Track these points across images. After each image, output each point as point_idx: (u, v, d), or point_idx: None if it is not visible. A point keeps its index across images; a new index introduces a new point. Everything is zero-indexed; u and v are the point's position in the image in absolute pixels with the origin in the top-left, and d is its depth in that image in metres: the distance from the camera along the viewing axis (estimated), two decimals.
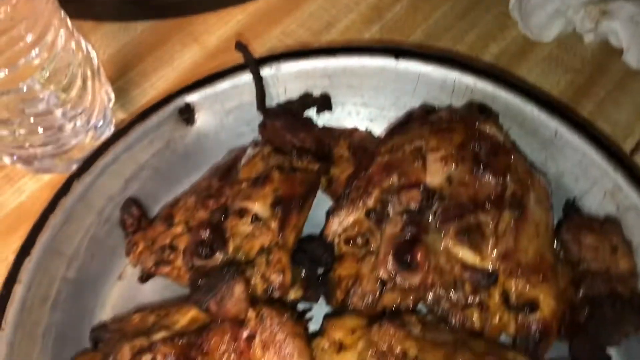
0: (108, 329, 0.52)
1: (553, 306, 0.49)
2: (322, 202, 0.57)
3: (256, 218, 0.50)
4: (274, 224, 0.49)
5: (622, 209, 0.53)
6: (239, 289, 0.46)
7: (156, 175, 0.59)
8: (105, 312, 0.56)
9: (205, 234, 0.49)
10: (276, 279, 0.47)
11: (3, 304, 0.50)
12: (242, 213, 0.50)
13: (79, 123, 0.60)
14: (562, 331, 0.50)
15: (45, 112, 0.56)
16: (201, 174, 0.60)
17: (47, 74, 0.54)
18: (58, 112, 0.57)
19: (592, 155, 0.54)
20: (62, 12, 0.55)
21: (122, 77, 0.68)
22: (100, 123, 0.62)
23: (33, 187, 0.64)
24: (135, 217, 0.56)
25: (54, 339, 0.52)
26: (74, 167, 0.60)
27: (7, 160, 0.61)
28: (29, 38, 0.50)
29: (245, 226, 0.50)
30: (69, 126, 0.59)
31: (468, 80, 0.58)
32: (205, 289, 0.46)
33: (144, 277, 0.54)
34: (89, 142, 0.62)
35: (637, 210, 0.51)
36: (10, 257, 0.57)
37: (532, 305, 0.49)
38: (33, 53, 0.51)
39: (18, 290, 0.50)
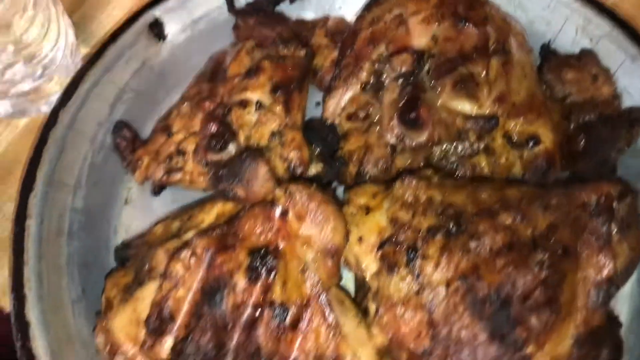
0: (132, 245, 0.51)
1: (552, 137, 0.52)
2: (310, 95, 0.57)
3: (260, 106, 0.50)
4: (278, 108, 0.50)
5: (595, 40, 0.56)
6: (262, 169, 0.46)
7: (139, 98, 0.58)
8: (120, 237, 0.55)
9: (214, 127, 0.48)
10: (295, 155, 0.48)
11: (20, 239, 0.48)
12: (244, 104, 0.50)
13: (46, 58, 0.58)
14: (563, 161, 0.53)
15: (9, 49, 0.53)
16: (182, 91, 0.59)
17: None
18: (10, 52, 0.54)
19: None
20: None
21: (75, 12, 0.65)
22: (67, 59, 0.60)
23: (9, 137, 0.61)
24: (129, 139, 0.55)
25: (78, 267, 0.51)
26: (45, 107, 0.58)
27: None
28: None
29: (250, 116, 0.50)
30: (22, 66, 0.57)
31: None
32: (228, 178, 0.47)
33: (156, 190, 0.53)
34: (56, 81, 0.60)
35: (610, 37, 0.55)
36: (7, 207, 0.55)
37: (535, 139, 0.52)
38: None
39: (31, 225, 0.49)
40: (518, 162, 0.53)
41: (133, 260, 0.50)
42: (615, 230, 0.45)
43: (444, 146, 0.52)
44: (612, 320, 0.47)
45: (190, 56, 0.60)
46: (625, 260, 0.46)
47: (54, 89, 0.60)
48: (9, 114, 0.60)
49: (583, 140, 0.53)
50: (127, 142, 0.55)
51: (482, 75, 0.52)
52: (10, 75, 0.56)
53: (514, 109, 0.52)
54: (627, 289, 0.52)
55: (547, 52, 0.58)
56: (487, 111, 0.52)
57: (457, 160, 0.53)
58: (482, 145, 0.52)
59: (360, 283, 0.50)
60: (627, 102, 0.54)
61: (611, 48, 0.55)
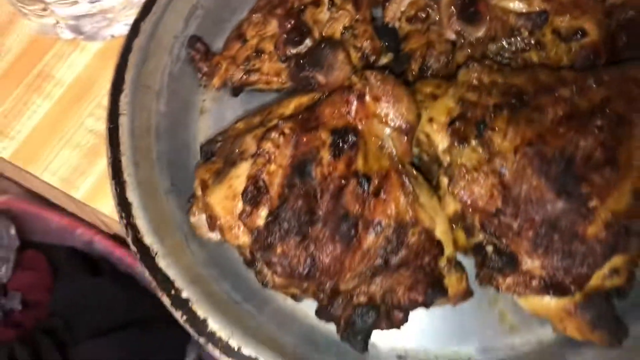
0: (216, 140, 0.56)
1: (597, 31, 0.56)
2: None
3: (332, 4, 0.54)
4: (349, 5, 0.54)
5: None
6: (341, 55, 0.51)
7: (208, 15, 0.62)
8: (199, 142, 0.59)
9: (290, 22, 0.53)
10: (368, 45, 0.53)
11: (115, 135, 0.53)
12: (316, 3, 0.54)
13: None
14: (608, 55, 0.58)
15: None
16: (245, 11, 0.63)
17: None
18: None
19: None
20: None
21: None
22: None
23: (85, 60, 0.65)
24: (202, 52, 0.59)
25: (167, 163, 0.55)
26: (119, 32, 0.62)
27: (60, 32, 0.62)
28: None
29: (322, 14, 0.54)
30: None
31: None
32: (309, 65, 0.51)
33: (235, 91, 0.57)
34: (124, 8, 0.64)
35: None
36: (88, 121, 0.60)
37: (582, 32, 0.56)
38: None
39: (124, 121, 0.54)
40: (566, 55, 0.57)
41: (220, 152, 0.54)
42: None
43: (499, 42, 0.57)
44: None
45: None
46: None
47: (123, 16, 0.64)
48: (84, 36, 0.64)
49: (624, 36, 0.58)
50: (201, 55, 0.59)
51: None
52: None
53: (561, 6, 0.56)
54: None
55: None
56: (537, 8, 0.56)
57: (511, 56, 0.57)
58: (533, 40, 0.57)
59: (428, 166, 0.54)
60: None
61: None
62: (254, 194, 0.48)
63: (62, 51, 0.65)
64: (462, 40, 0.56)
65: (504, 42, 0.57)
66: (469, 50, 0.56)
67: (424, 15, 0.58)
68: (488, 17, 0.55)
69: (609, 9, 0.60)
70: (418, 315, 0.51)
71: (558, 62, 0.57)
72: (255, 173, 0.48)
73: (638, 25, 0.58)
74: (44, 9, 0.59)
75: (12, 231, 1.24)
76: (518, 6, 0.56)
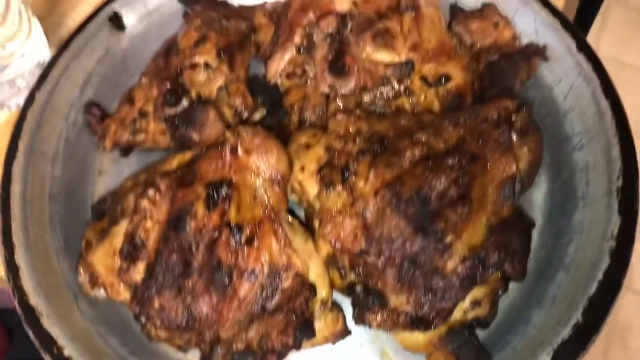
0: (106, 200, 0.58)
1: (462, 75, 0.61)
2: (254, 67, 0.66)
3: (207, 66, 0.58)
4: (224, 67, 0.58)
5: None
6: (212, 113, 0.54)
7: (105, 81, 0.66)
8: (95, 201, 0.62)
9: (169, 85, 0.56)
10: (240, 101, 0.56)
11: (7, 201, 0.55)
12: (193, 66, 0.58)
13: (19, 59, 0.65)
14: (474, 95, 0.62)
15: None
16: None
17: None
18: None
19: None
20: None
21: (44, 21, 0.73)
22: (42, 58, 0.68)
23: None
24: (98, 116, 0.63)
25: (60, 224, 0.58)
26: (22, 100, 0.65)
27: None
28: None
29: (199, 75, 0.58)
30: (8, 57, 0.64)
31: None
32: (183, 125, 0.54)
33: (125, 151, 0.60)
34: (30, 77, 0.68)
35: None
36: None
37: (447, 77, 0.60)
38: None
39: (16, 189, 0.56)
40: (435, 100, 0.61)
41: (109, 211, 0.57)
42: (515, 137, 0.54)
43: (371, 92, 0.61)
44: (523, 217, 0.54)
45: (148, 43, 0.67)
46: (527, 161, 0.54)
47: (29, 86, 0.67)
48: None
49: (490, 77, 0.62)
50: (97, 119, 0.62)
51: (397, 29, 0.61)
52: None
53: (427, 55, 0.60)
54: (540, 197, 0.59)
55: (455, 9, 0.67)
56: (404, 58, 0.60)
57: (384, 103, 0.61)
58: (402, 88, 0.61)
59: (309, 212, 0.57)
60: (524, 41, 0.63)
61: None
62: (130, 250, 0.50)
63: None
64: (335, 93, 0.59)
65: (376, 92, 0.61)
66: (343, 102, 0.60)
67: (300, 72, 0.61)
68: (356, 69, 0.59)
69: (477, 53, 0.64)
70: (302, 356, 0.53)
71: (429, 106, 0.61)
72: (131, 230, 0.51)
73: (500, 64, 0.62)
74: None
75: None
76: (386, 57, 0.60)
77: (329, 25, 0.61)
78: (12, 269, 0.52)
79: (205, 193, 0.52)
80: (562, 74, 0.60)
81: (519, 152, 0.53)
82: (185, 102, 0.56)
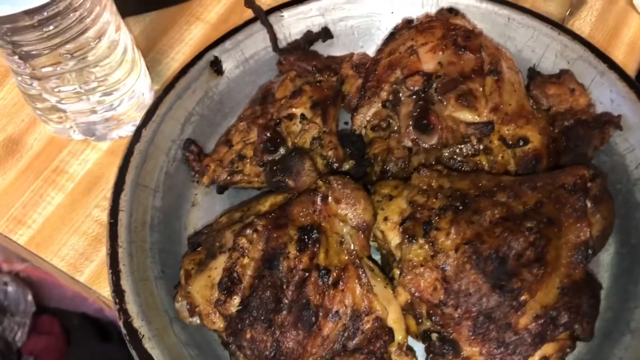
0: (202, 233, 0.64)
1: (540, 138, 0.64)
2: (341, 117, 0.71)
3: (303, 118, 0.63)
4: (318, 119, 0.63)
5: (572, 62, 0.69)
6: (308, 163, 0.59)
7: (202, 120, 0.72)
8: (189, 232, 0.67)
9: (268, 134, 0.61)
10: (332, 153, 0.61)
11: (115, 228, 0.61)
12: (290, 117, 0.63)
13: (128, 95, 0.72)
14: (550, 157, 0.65)
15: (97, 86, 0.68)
16: (236, 115, 0.72)
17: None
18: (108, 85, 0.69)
19: (541, 27, 0.70)
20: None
21: (145, 56, 0.80)
22: (145, 94, 0.74)
23: (95, 156, 0.74)
24: (196, 153, 0.68)
25: (159, 252, 0.63)
26: (123, 132, 0.71)
27: (73, 134, 0.72)
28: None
29: (295, 126, 0.63)
30: (117, 94, 0.71)
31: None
32: (281, 172, 0.59)
33: (221, 189, 0.66)
34: (135, 111, 0.74)
35: (583, 58, 0.68)
36: (94, 212, 0.68)
37: (525, 139, 0.64)
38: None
39: (123, 217, 0.62)
40: (512, 160, 0.65)
41: (204, 243, 0.62)
42: (590, 204, 0.57)
43: (451, 148, 0.65)
44: (592, 280, 0.58)
45: (243, 87, 0.74)
46: (600, 228, 0.57)
47: (131, 118, 0.74)
48: (97, 138, 0.74)
49: (565, 141, 0.66)
50: (194, 155, 0.68)
51: (480, 91, 0.65)
52: (108, 102, 0.70)
53: (507, 117, 0.64)
54: (607, 259, 0.62)
55: (533, 73, 0.71)
56: (485, 119, 0.64)
57: (463, 160, 0.65)
58: (481, 147, 0.64)
59: (386, 259, 0.62)
60: (599, 109, 0.67)
61: (584, 66, 0.67)
62: (228, 284, 0.55)
63: (76, 149, 0.75)
64: (418, 147, 0.64)
65: (456, 148, 0.65)
66: (424, 156, 0.65)
67: (385, 125, 0.66)
68: (440, 127, 0.63)
69: (553, 117, 0.68)
70: None
71: (505, 165, 0.65)
72: (230, 265, 0.56)
73: (575, 131, 0.65)
74: (61, 117, 0.69)
75: (29, 297, 1.33)
76: (467, 117, 0.64)
77: (416, 83, 0.65)
78: (119, 292, 0.58)
79: (297, 236, 0.56)
80: (635, 143, 0.63)
81: (593, 219, 0.57)
82: (282, 150, 0.61)
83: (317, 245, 0.56)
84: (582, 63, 0.68)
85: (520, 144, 0.64)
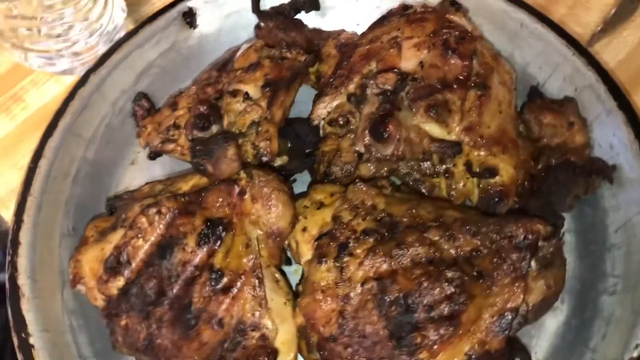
0: (121, 198, 0.59)
1: (512, 173, 0.55)
2: (311, 95, 0.63)
3: (247, 97, 0.56)
4: (263, 102, 0.56)
5: (579, 89, 0.58)
6: (231, 151, 0.53)
7: (163, 74, 0.66)
8: (119, 191, 0.63)
9: (203, 108, 0.55)
10: (264, 145, 0.54)
11: (31, 175, 0.57)
12: (234, 93, 0.57)
13: (97, 24, 0.67)
14: (519, 196, 0.56)
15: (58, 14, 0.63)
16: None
17: None
18: (70, 14, 0.64)
19: (554, 42, 0.59)
20: None
21: None
22: (115, 29, 0.69)
23: (56, 89, 0.71)
24: (145, 108, 0.63)
25: (75, 208, 0.59)
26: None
27: (34, 63, 0.68)
28: None
29: (237, 104, 0.56)
30: (79, 27, 0.66)
31: None
32: (203, 153, 0.53)
33: (152, 155, 0.61)
34: (103, 47, 0.69)
35: (592, 89, 0.57)
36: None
37: (493, 172, 0.55)
38: None
39: (43, 164, 0.58)
40: (475, 190, 0.56)
41: (119, 210, 0.57)
42: (535, 266, 0.48)
43: (409, 163, 0.57)
44: (518, 349, 0.49)
45: (215, 47, 0.67)
46: (540, 297, 0.48)
47: (96, 55, 0.69)
48: (60, 72, 0.70)
49: (542, 181, 0.56)
50: (143, 111, 0.63)
51: (457, 104, 0.56)
52: (69, 35, 0.66)
53: (481, 140, 0.55)
54: (553, 327, 0.54)
55: (534, 93, 0.61)
56: (454, 138, 0.55)
57: (420, 178, 0.57)
58: (443, 168, 0.56)
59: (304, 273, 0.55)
60: (596, 153, 0.56)
61: (591, 99, 0.57)
62: (114, 264, 0.51)
63: (39, 79, 0.71)
64: (370, 154, 0.56)
65: (414, 164, 0.57)
66: (375, 165, 0.57)
67: (343, 121, 0.58)
68: (398, 138, 0.55)
69: (540, 149, 0.58)
70: None
71: (466, 195, 0.56)
72: (121, 245, 0.51)
73: (558, 172, 0.56)
74: (14, 44, 0.65)
75: None
76: (435, 131, 0.56)
77: (387, 82, 0.57)
78: (14, 243, 0.54)
79: (200, 228, 0.51)
80: (623, 203, 0.53)
81: (533, 284, 0.48)
82: (214, 129, 0.55)
83: (219, 243, 0.50)
84: (590, 94, 0.57)
85: (487, 175, 0.55)
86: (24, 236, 0.55)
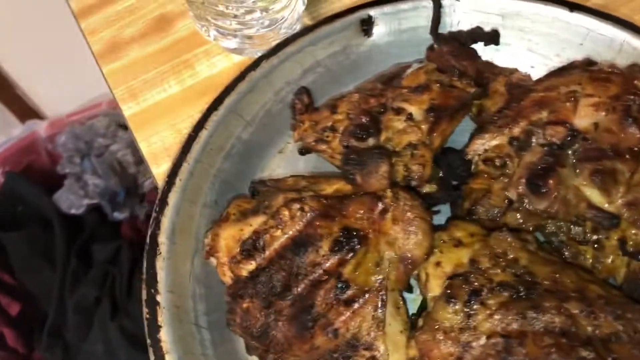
0: (265, 183, 0.61)
1: None
2: (468, 128, 0.62)
3: (410, 117, 0.56)
4: (424, 126, 0.56)
5: None
6: (384, 168, 0.53)
7: (328, 74, 0.67)
8: (263, 175, 0.65)
9: (364, 119, 0.56)
10: (417, 169, 0.54)
11: (190, 143, 0.61)
12: (398, 111, 0.57)
13: (270, 17, 0.69)
14: None
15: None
16: (366, 80, 0.67)
17: None
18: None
19: None
20: None
21: None
22: (290, 23, 0.71)
23: (225, 64, 0.74)
24: (305, 103, 0.65)
25: (221, 182, 0.62)
26: (260, 53, 0.69)
27: (211, 35, 0.71)
28: None
29: (399, 122, 0.57)
30: (259, 14, 0.68)
31: (636, 43, 0.60)
32: (355, 163, 0.54)
33: (303, 151, 0.62)
34: (274, 35, 0.71)
35: None
36: (196, 115, 0.68)
37: None
38: None
39: (203, 135, 0.61)
40: (623, 269, 0.53)
41: (261, 195, 0.59)
42: None
43: (559, 223, 0.55)
44: None
45: (385, 58, 0.67)
46: None
47: (271, 42, 0.71)
48: (231, 49, 0.73)
49: None
50: (302, 105, 0.65)
51: (625, 175, 0.53)
52: (247, 19, 0.69)
53: None
54: None
55: None
56: (613, 210, 0.52)
57: (566, 241, 0.55)
58: (594, 238, 0.53)
59: (424, 304, 0.55)
60: None
61: None
62: (250, 248, 0.53)
63: (211, 50, 0.75)
64: (521, 205, 0.54)
65: (565, 225, 0.54)
66: (524, 217, 0.55)
67: (500, 163, 0.57)
68: (555, 195, 0.53)
69: None
70: None
71: (611, 272, 0.54)
72: (260, 231, 0.53)
73: None
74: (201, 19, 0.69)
75: None
76: (595, 198, 0.53)
77: (556, 134, 0.55)
78: (162, 203, 0.58)
79: (336, 235, 0.52)
80: None
81: None
82: (371, 141, 0.56)
83: (351, 255, 0.51)
84: None
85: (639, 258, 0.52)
86: (172, 198, 0.58)
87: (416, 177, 0.54)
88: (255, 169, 0.65)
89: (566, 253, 0.54)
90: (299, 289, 0.51)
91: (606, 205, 0.53)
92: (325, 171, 0.63)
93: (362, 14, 0.66)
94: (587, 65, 0.60)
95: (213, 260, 0.56)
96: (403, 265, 0.52)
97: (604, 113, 0.55)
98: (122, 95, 0.73)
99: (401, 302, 0.52)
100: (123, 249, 1.38)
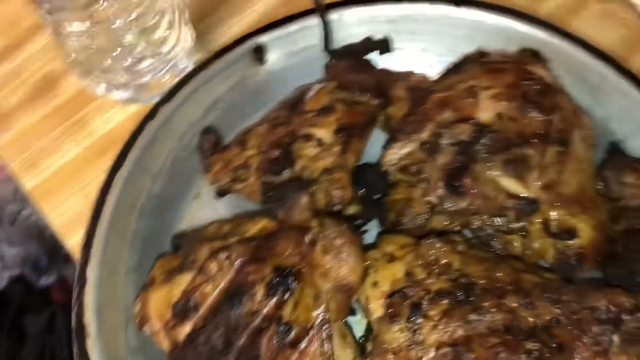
0: (187, 236, 0.59)
1: (591, 235, 0.53)
2: (379, 138, 0.62)
3: (320, 142, 0.55)
4: (336, 148, 0.55)
5: None
6: (304, 200, 0.52)
7: (230, 109, 0.65)
8: (183, 226, 0.63)
9: (276, 153, 0.55)
10: (337, 194, 0.53)
11: (99, 208, 0.57)
12: (308, 137, 0.56)
13: (162, 60, 0.67)
14: (598, 260, 0.54)
15: (130, 49, 0.63)
16: (270, 109, 0.66)
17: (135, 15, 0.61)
18: (141, 49, 0.64)
19: (638, 99, 0.57)
20: None
21: (200, 22, 0.74)
22: (183, 61, 0.69)
23: (120, 117, 0.71)
24: (212, 143, 0.63)
25: (141, 243, 0.59)
26: (156, 99, 0.67)
27: (100, 90, 0.68)
28: None
29: (310, 149, 0.56)
30: (150, 61, 0.66)
31: (522, 28, 0.62)
32: (275, 200, 0.53)
33: (220, 193, 0.60)
34: (170, 77, 0.69)
35: None
36: (102, 175, 0.65)
37: (571, 233, 0.53)
38: None
39: (111, 199, 0.58)
40: (551, 250, 0.54)
41: (184, 249, 0.57)
42: (617, 341, 0.46)
43: (483, 217, 0.55)
44: None
45: (283, 83, 0.66)
46: None
47: (165, 85, 0.69)
48: (125, 100, 0.70)
49: (623, 245, 0.54)
50: (210, 145, 0.63)
51: (535, 160, 0.54)
52: (139, 68, 0.66)
53: (559, 199, 0.53)
54: None
55: (615, 150, 0.59)
56: (532, 195, 0.53)
57: (493, 233, 0.55)
58: (518, 226, 0.54)
59: (370, 326, 0.54)
60: None
61: None
62: (183, 309, 0.50)
63: (103, 105, 0.71)
64: (443, 207, 0.55)
65: (489, 219, 0.55)
66: (449, 218, 0.55)
67: (415, 170, 0.57)
68: (473, 191, 0.53)
69: (620, 210, 0.56)
70: None
71: (540, 255, 0.55)
72: (190, 289, 0.51)
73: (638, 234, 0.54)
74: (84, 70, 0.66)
75: None
76: (512, 187, 0.54)
77: (463, 132, 0.56)
78: (81, 280, 0.54)
79: (269, 278, 0.50)
80: None
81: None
82: (287, 174, 0.54)
83: (288, 294, 0.50)
84: None
85: (565, 236, 0.53)
86: (91, 272, 0.55)
87: (338, 201, 0.53)
88: (173, 222, 0.63)
89: (496, 245, 0.55)
90: (241, 342, 0.49)
91: (524, 192, 0.54)
92: (247, 210, 0.61)
93: (252, 43, 0.65)
94: (479, 57, 0.62)
95: (147, 329, 0.54)
96: (341, 293, 0.51)
97: (504, 102, 0.56)
98: (20, 168, 0.69)
99: (347, 330, 0.52)
100: (58, 315, 1.31)
